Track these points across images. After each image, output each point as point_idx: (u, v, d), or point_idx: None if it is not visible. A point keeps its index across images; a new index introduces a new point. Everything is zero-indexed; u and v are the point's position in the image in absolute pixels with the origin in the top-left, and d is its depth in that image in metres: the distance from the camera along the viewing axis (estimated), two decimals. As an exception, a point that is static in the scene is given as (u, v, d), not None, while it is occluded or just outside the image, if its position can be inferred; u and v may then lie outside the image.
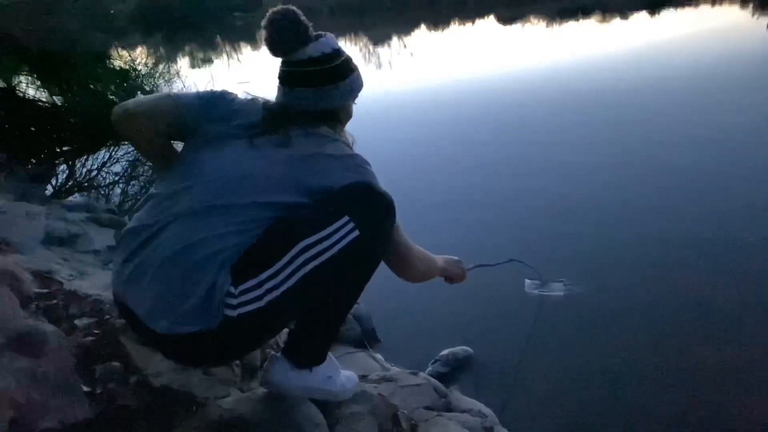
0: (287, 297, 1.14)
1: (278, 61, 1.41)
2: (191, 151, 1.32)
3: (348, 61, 1.42)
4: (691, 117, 5.21)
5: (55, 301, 1.74)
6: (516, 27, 18.16)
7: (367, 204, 1.23)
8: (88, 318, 1.66)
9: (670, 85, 6.52)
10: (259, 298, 1.12)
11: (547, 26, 17.24)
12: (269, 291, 1.12)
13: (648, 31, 12.74)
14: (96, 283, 2.07)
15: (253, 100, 1.39)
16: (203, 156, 1.28)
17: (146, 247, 1.16)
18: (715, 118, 5.05)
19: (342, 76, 1.39)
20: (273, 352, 1.54)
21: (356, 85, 1.44)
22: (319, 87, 1.36)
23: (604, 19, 16.47)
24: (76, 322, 1.62)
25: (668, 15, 15.12)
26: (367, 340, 2.26)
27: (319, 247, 1.16)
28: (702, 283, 2.63)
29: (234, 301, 1.10)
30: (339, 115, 1.44)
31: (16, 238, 2.43)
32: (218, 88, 1.49)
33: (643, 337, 2.31)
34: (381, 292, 2.63)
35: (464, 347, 2.28)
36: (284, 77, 1.38)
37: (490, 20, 20.93)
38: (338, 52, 1.39)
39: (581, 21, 16.99)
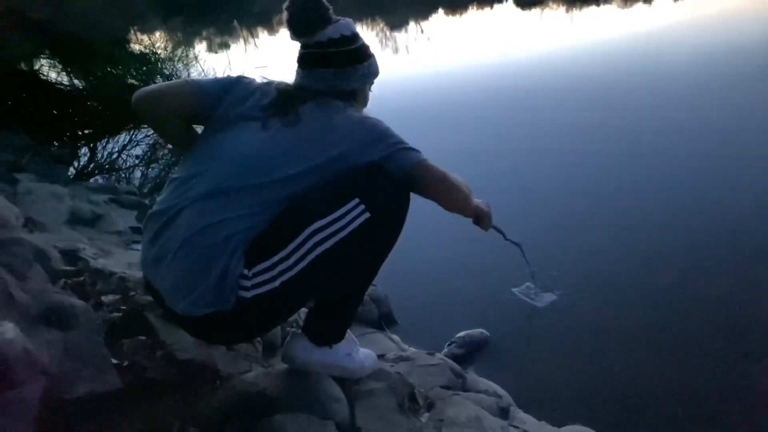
0: (300, 278, 1.17)
1: (295, 45, 1.43)
2: (208, 134, 1.35)
3: (366, 46, 1.45)
4: (721, 103, 5.11)
5: (82, 278, 1.79)
6: (535, 12, 17.90)
7: (378, 186, 1.24)
8: (114, 295, 1.71)
9: (698, 69, 6.40)
10: (273, 279, 1.15)
11: (566, 11, 16.96)
12: (282, 272, 1.16)
13: (672, 15, 12.50)
14: (120, 261, 2.12)
15: (269, 84, 1.41)
16: (218, 139, 1.31)
17: (167, 230, 1.20)
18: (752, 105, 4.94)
19: (361, 59, 1.42)
20: (294, 330, 1.57)
21: (373, 70, 1.46)
22: (339, 68, 1.38)
23: (625, 4, 16.16)
24: (103, 298, 1.67)
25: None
26: (384, 321, 2.29)
27: (331, 229, 1.18)
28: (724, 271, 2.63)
29: (248, 283, 1.14)
30: (356, 97, 1.46)
31: (42, 218, 2.49)
32: (236, 72, 1.52)
33: (661, 321, 2.31)
34: (398, 274, 2.69)
35: (481, 329, 2.30)
36: (303, 59, 1.40)
37: (509, 5, 20.65)
38: (356, 36, 1.41)
39: (602, 5, 16.70)
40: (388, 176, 1.26)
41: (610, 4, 16.85)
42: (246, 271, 1.14)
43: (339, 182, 1.23)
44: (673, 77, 6.29)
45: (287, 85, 1.41)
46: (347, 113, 1.32)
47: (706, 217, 3.14)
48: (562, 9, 17.55)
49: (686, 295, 2.47)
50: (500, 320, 2.38)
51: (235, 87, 1.39)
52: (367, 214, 1.21)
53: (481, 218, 1.55)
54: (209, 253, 1.14)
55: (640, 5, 15.67)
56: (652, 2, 15.83)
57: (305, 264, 1.17)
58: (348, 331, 1.48)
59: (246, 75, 1.44)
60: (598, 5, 16.93)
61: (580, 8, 16.96)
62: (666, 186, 3.63)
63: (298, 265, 1.16)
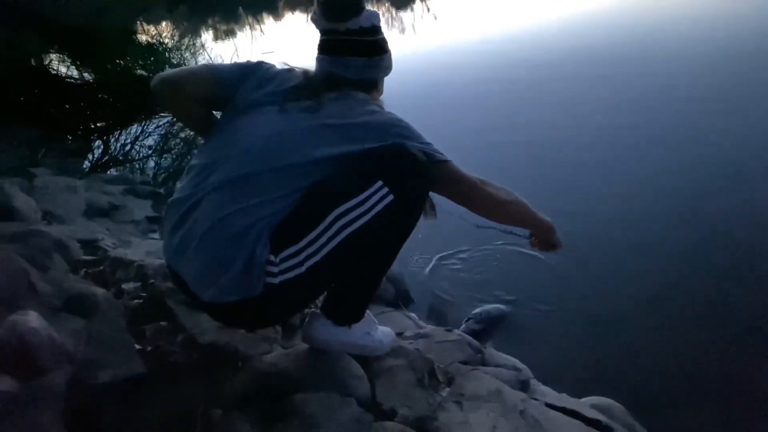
0: (326, 262, 1.18)
1: (310, 31, 1.43)
2: (227, 119, 1.35)
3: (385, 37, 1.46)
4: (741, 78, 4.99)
5: (102, 267, 1.81)
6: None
7: (400, 167, 1.23)
8: (134, 282, 1.73)
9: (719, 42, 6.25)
10: (300, 264, 1.16)
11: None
12: (309, 257, 1.16)
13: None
14: (138, 250, 2.15)
15: (290, 70, 1.41)
16: (236, 124, 1.30)
17: (189, 218, 1.21)
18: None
19: (385, 50, 1.44)
20: (313, 309, 1.58)
21: (391, 62, 1.48)
22: (369, 57, 1.39)
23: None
24: (123, 286, 1.69)
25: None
26: (401, 300, 2.30)
27: (355, 213, 1.18)
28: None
29: (275, 269, 1.14)
30: (377, 88, 1.46)
31: (60, 211, 2.53)
32: (247, 58, 1.51)
33: (684, 294, 2.29)
34: (412, 252, 2.69)
35: (497, 305, 2.30)
36: (333, 45, 1.38)
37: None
38: (381, 26, 1.42)
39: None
40: (411, 157, 1.25)
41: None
42: (273, 257, 1.14)
43: (362, 164, 1.23)
44: (693, 53, 6.14)
45: (315, 71, 1.40)
46: (370, 108, 1.31)
47: (735, 191, 3.08)
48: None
49: (712, 269, 2.44)
50: (516, 295, 2.37)
51: (254, 72, 1.38)
52: (390, 197, 1.20)
53: (544, 239, 1.60)
54: (234, 240, 1.14)
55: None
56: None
57: (331, 248, 1.17)
58: (367, 311, 1.48)
59: (266, 61, 1.44)
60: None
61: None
62: (691, 153, 3.57)
63: (324, 248, 1.17)
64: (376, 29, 1.39)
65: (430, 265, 2.68)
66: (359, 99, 1.33)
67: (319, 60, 1.41)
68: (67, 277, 1.50)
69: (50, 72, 5.55)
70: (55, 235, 1.73)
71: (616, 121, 4.28)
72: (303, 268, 1.16)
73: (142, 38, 6.16)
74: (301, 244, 1.16)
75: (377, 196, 1.20)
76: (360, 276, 1.35)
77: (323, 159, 1.21)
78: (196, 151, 1.41)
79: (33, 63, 5.68)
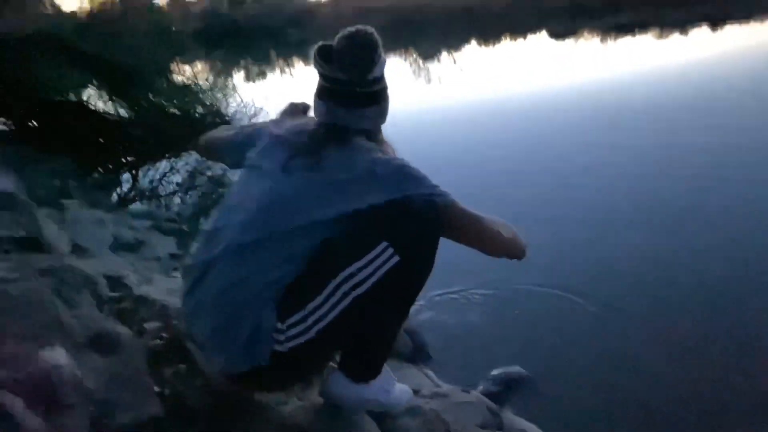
0: (335, 325, 1.18)
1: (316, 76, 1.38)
2: (239, 181, 1.40)
3: None
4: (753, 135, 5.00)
5: (125, 305, 1.84)
6: (569, 42, 17.91)
7: (405, 226, 1.22)
8: (156, 322, 1.74)
9: (731, 102, 6.29)
10: (308, 329, 1.17)
11: (601, 41, 16.92)
12: (316, 322, 1.17)
13: (709, 47, 12.35)
14: (161, 288, 2.17)
15: (297, 124, 1.39)
16: (242, 187, 1.34)
17: (200, 285, 1.24)
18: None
19: (388, 93, 1.41)
20: (330, 364, 1.58)
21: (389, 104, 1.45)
22: (380, 105, 1.37)
23: (661, 35, 16.04)
24: (146, 325, 1.70)
25: (731, 30, 14.61)
26: (418, 355, 2.28)
27: (361, 275, 1.18)
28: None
29: (282, 337, 1.16)
30: (380, 132, 1.44)
31: (88, 244, 2.58)
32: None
33: (700, 355, 2.24)
34: (432, 307, 2.67)
35: (518, 367, 2.25)
36: (348, 97, 1.32)
37: (542, 36, 20.73)
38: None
39: (637, 35, 16.60)
40: (415, 214, 1.22)
41: (646, 34, 16.74)
42: (279, 324, 1.16)
43: (366, 225, 1.21)
44: (710, 109, 6.18)
45: (317, 125, 1.36)
46: (373, 156, 1.27)
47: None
48: (597, 39, 17.52)
49: (736, 333, 2.38)
50: (538, 359, 2.32)
51: (259, 134, 1.40)
52: (396, 258, 1.19)
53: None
54: (240, 309, 1.16)
55: (676, 36, 15.53)
56: (689, 33, 15.68)
57: (338, 311, 1.18)
58: (385, 365, 1.47)
59: (273, 119, 1.47)
60: (633, 35, 16.83)
61: (615, 39, 16.90)
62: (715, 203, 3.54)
63: (331, 312, 1.17)
64: (384, 76, 1.36)
65: (445, 311, 2.65)
66: (363, 148, 1.29)
67: (329, 109, 1.34)
68: (93, 314, 1.52)
69: (87, 106, 5.77)
70: (85, 271, 1.76)
71: (643, 176, 4.29)
72: (311, 333, 1.16)
73: (178, 78, 6.37)
74: (308, 309, 1.16)
75: (382, 258, 1.18)
76: (375, 333, 1.34)
77: (327, 220, 1.21)
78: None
79: (72, 97, 5.91)
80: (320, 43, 1.32)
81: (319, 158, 1.25)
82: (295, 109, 1.56)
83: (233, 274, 1.19)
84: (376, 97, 1.35)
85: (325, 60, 1.30)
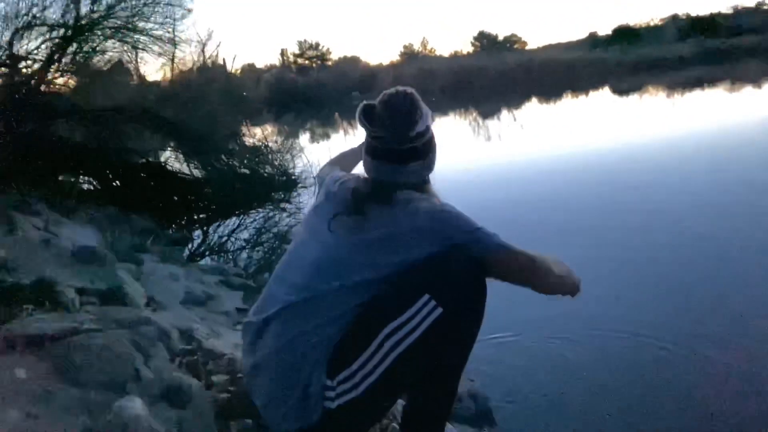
0: (383, 382, 1.17)
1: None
2: (295, 238, 1.46)
3: None
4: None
5: (195, 357, 1.90)
6: (633, 98, 17.66)
7: (447, 277, 1.21)
8: (224, 375, 1.79)
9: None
10: (356, 386, 1.16)
11: (667, 96, 16.59)
12: (364, 378, 1.17)
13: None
14: (228, 342, 2.23)
15: (345, 181, 1.40)
16: (299, 245, 1.38)
17: (259, 341, 1.26)
18: None
19: (434, 143, 1.40)
20: (394, 425, 1.56)
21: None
22: (425, 159, 1.36)
23: (733, 87, 15.56)
24: (214, 378, 1.75)
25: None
26: (482, 419, 2.19)
27: (405, 330, 1.17)
28: None
29: (332, 394, 1.16)
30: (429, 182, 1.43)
31: (162, 297, 2.71)
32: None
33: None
34: (500, 369, 2.55)
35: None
36: (394, 155, 1.33)
37: (605, 92, 20.58)
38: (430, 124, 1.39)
39: (706, 89, 16.15)
40: (458, 263, 1.21)
41: (716, 87, 16.28)
42: (329, 382, 1.17)
43: (408, 279, 1.22)
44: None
45: (363, 180, 1.38)
46: (415, 206, 1.26)
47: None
48: (663, 94, 17.20)
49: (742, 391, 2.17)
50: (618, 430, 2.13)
51: (321, 191, 1.46)
52: (439, 310, 1.17)
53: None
54: (293, 367, 1.18)
55: (749, 89, 15.01)
56: (763, 85, 15.13)
57: (384, 368, 1.17)
58: (446, 427, 1.43)
59: (333, 174, 1.48)
60: (702, 89, 16.41)
61: (682, 93, 16.53)
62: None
63: (377, 369, 1.17)
64: (427, 129, 1.35)
65: (511, 363, 2.52)
66: (405, 201, 1.28)
67: (375, 166, 1.35)
68: (167, 366, 1.59)
69: (165, 167, 6.18)
70: (160, 324, 1.85)
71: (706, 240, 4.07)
72: (360, 390, 1.16)
73: (248, 140, 6.73)
74: (355, 366, 1.17)
75: (425, 311, 1.17)
76: (430, 394, 1.31)
77: (373, 279, 1.22)
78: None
79: (152, 159, 6.36)
80: (364, 102, 1.35)
81: (362, 217, 1.27)
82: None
83: (286, 333, 1.21)
84: (419, 151, 1.34)
85: (368, 120, 1.33)
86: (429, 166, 1.38)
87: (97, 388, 1.34)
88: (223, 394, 1.67)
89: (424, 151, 1.35)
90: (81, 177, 5.67)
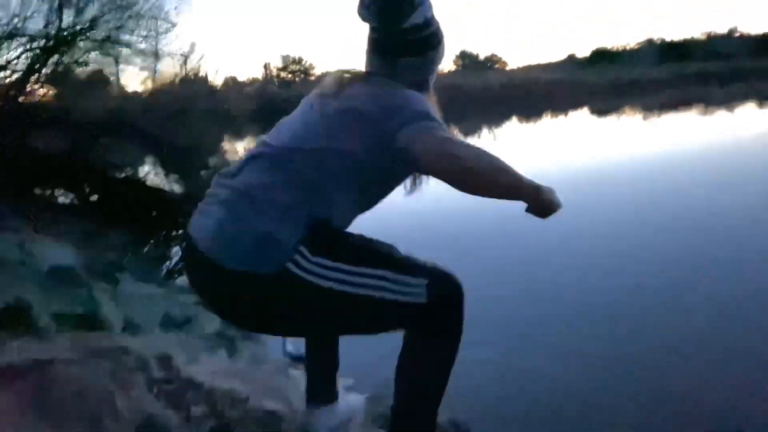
0: (346, 299, 1.14)
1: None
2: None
3: (439, 26, 1.32)
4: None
5: (174, 386, 1.86)
6: (611, 119, 18.01)
7: (444, 289, 1.21)
8: (203, 406, 1.75)
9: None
10: (326, 278, 1.11)
11: (644, 118, 16.97)
12: (338, 281, 1.12)
13: (757, 123, 12.19)
14: (207, 369, 2.19)
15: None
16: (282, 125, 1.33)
17: (221, 187, 1.20)
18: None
19: (440, 41, 1.32)
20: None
21: (444, 50, 1.35)
22: (422, 55, 1.29)
23: (706, 111, 15.98)
24: (193, 409, 1.72)
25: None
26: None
27: (394, 287, 1.16)
28: None
29: (304, 263, 1.10)
30: (429, 82, 1.35)
31: (139, 320, 2.65)
32: None
33: None
34: (488, 402, 2.51)
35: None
36: (384, 46, 1.27)
37: (584, 112, 20.95)
38: (432, 16, 1.30)
39: (682, 112, 16.56)
40: (454, 307, 1.23)
41: (690, 110, 16.71)
42: (307, 253, 1.10)
43: (418, 259, 1.22)
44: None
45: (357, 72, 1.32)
46: (384, 88, 1.22)
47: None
48: (639, 116, 17.58)
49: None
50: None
51: None
52: (424, 299, 1.18)
53: (539, 206, 1.22)
54: (261, 207, 1.12)
55: (722, 112, 15.44)
56: (735, 110, 15.57)
57: (356, 291, 1.14)
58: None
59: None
60: (677, 111, 16.82)
61: (659, 115, 16.92)
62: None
63: (352, 286, 1.13)
64: (428, 22, 1.27)
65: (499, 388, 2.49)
66: (378, 83, 1.24)
67: (369, 60, 1.31)
68: (145, 397, 1.55)
69: (144, 182, 6.11)
70: (138, 352, 1.81)
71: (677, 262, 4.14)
72: (325, 283, 1.11)
73: (231, 155, 6.71)
74: (341, 266, 1.13)
75: (417, 289, 1.18)
76: (410, 414, 1.28)
77: (325, 147, 1.18)
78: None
79: (131, 172, 6.30)
80: None
81: (342, 91, 1.24)
82: None
83: (255, 178, 1.16)
84: (414, 45, 1.27)
85: (365, 7, 1.25)
86: (428, 64, 1.31)
87: (73, 422, 1.30)
88: (203, 427, 1.64)
89: (421, 46, 1.27)
90: (58, 190, 5.59)
